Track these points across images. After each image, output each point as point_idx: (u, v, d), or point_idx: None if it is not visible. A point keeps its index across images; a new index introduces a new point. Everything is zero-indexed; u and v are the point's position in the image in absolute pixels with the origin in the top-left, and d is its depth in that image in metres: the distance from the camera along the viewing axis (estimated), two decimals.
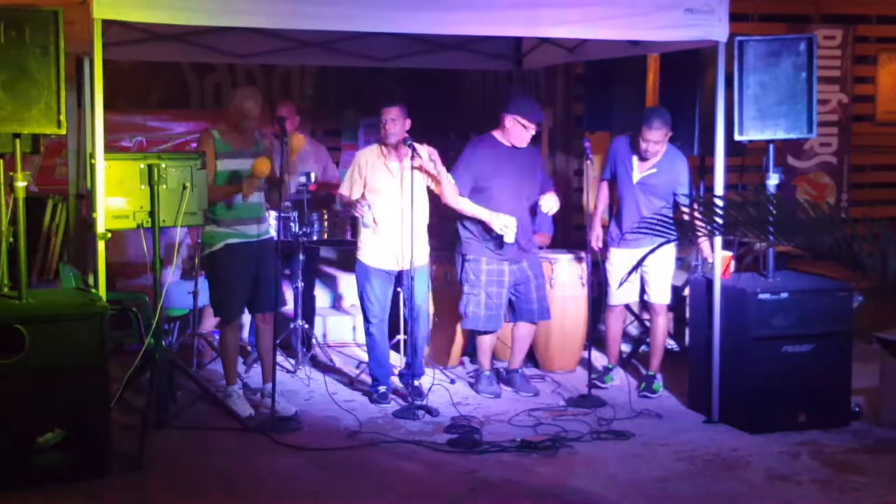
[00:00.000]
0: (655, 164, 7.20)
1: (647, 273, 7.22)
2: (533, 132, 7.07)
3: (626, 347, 8.18)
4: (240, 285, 6.68)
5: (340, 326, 8.78)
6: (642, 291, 7.41)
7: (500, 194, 7.08)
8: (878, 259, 4.11)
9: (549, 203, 7.16)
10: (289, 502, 5.39)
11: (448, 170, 6.99)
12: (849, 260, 4.21)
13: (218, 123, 6.85)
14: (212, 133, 6.65)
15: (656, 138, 7.04)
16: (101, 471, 5.52)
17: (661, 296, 7.32)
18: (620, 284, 7.18)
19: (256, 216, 6.75)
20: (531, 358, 7.85)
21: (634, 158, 7.24)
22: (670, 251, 7.17)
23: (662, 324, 7.39)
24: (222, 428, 6.45)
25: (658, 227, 4.79)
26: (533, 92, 9.57)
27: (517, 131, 7.04)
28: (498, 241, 7.05)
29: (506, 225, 6.97)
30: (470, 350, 8.03)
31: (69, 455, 5.45)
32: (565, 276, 7.81)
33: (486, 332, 7.27)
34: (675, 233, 4.83)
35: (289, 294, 7.95)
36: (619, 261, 7.28)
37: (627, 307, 7.95)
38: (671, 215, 6.98)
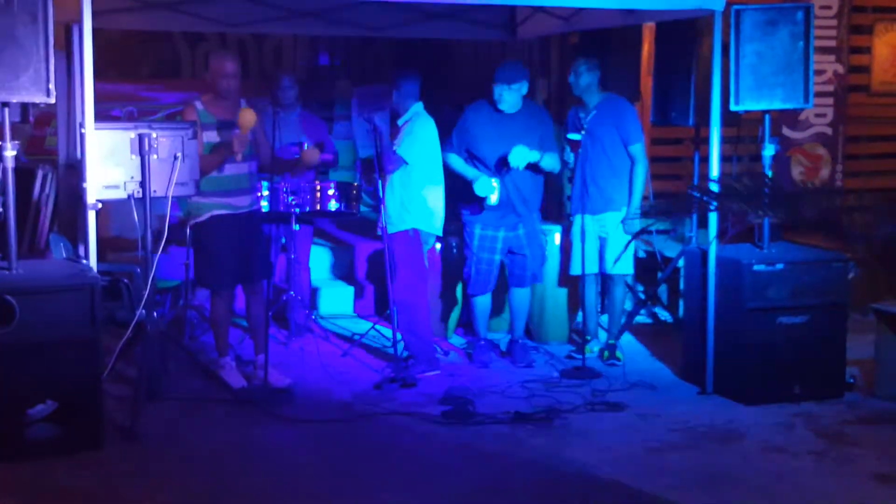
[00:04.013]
0: (595, 107, 7.23)
1: (607, 243, 7.22)
2: (512, 94, 7.01)
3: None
4: (227, 256, 6.62)
5: (337, 298, 8.74)
6: (602, 262, 7.39)
7: (492, 160, 7.08)
8: (867, 230, 4.10)
9: (515, 157, 6.91)
10: (280, 474, 5.36)
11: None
12: (835, 231, 4.20)
13: (202, 95, 6.78)
14: (194, 105, 6.59)
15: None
16: (94, 443, 5.49)
17: (623, 266, 7.33)
18: (617, 259, 7.18)
19: (244, 188, 6.69)
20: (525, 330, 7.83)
21: (578, 112, 7.34)
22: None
23: (621, 293, 7.46)
24: (215, 400, 6.43)
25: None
26: (527, 62, 9.49)
27: (496, 95, 7.05)
28: (482, 202, 7.05)
29: (487, 188, 6.96)
30: (465, 321, 8.02)
31: (62, 427, 5.43)
32: (557, 248, 7.77)
33: (475, 295, 7.33)
34: (669, 210, 4.79)
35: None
36: (582, 229, 7.28)
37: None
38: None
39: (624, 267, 7.36)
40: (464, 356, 7.52)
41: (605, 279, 7.56)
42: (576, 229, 7.32)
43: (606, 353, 7.37)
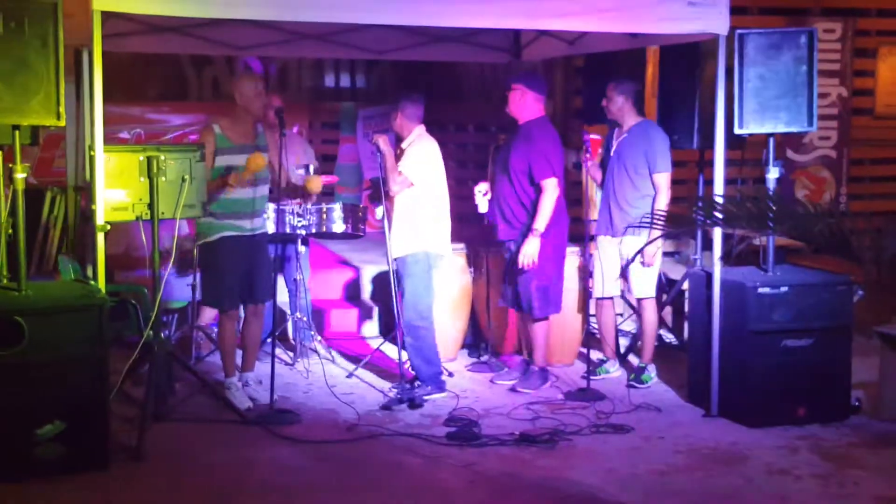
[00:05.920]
0: (627, 130, 7.27)
1: (630, 268, 7.23)
2: (510, 94, 7.10)
3: (625, 341, 8.16)
4: (233, 277, 6.67)
5: (344, 319, 8.76)
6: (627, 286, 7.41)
7: (492, 168, 7.26)
8: (875, 251, 4.12)
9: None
10: (287, 495, 5.38)
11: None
12: (844, 252, 4.22)
13: (219, 118, 6.83)
14: (213, 128, 6.64)
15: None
16: (101, 463, 5.51)
17: (644, 290, 7.31)
18: (617, 278, 7.21)
19: (252, 210, 6.73)
20: (529, 351, 7.84)
21: (614, 133, 7.37)
22: (653, 245, 7.15)
23: (649, 316, 7.39)
24: (221, 420, 6.44)
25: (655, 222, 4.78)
26: None
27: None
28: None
29: (479, 191, 7.25)
30: (468, 342, 8.04)
31: (69, 447, 5.45)
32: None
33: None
34: (671, 227, 4.82)
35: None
36: (603, 251, 7.30)
37: (625, 300, 7.96)
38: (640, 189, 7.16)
39: (646, 290, 7.30)
40: (469, 375, 7.51)
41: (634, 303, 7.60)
42: (596, 251, 7.36)
43: (633, 376, 7.37)
